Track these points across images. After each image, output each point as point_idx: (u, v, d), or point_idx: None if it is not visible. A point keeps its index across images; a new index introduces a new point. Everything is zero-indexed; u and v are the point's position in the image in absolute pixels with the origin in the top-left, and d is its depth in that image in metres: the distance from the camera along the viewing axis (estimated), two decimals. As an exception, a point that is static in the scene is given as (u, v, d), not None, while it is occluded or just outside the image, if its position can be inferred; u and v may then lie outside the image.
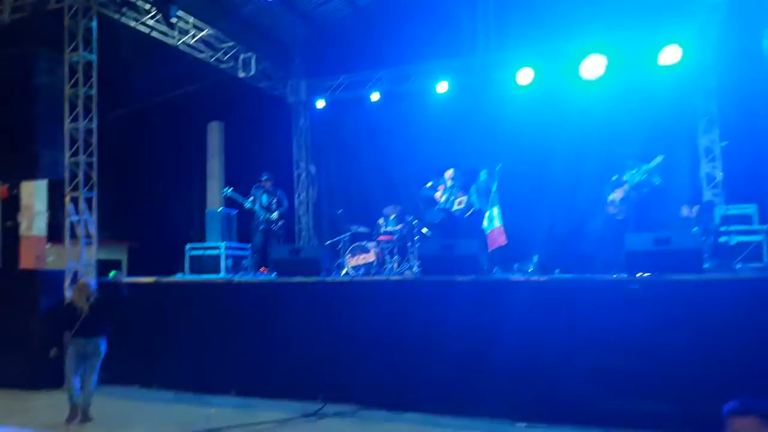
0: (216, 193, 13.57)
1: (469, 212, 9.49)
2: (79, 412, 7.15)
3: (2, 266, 10.61)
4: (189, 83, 13.21)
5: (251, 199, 10.26)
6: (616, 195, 8.83)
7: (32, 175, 9.96)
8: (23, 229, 10.96)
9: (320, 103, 13.05)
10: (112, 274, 8.86)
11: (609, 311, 6.37)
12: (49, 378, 8.08)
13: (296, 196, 13.23)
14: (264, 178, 10.42)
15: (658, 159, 8.59)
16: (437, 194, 9.78)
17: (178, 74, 12.23)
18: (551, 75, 10.75)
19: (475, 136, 11.12)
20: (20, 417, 7.40)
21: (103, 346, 7.33)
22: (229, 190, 10.41)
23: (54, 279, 9.23)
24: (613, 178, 8.92)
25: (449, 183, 9.75)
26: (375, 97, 12.32)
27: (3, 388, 8.67)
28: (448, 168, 9.84)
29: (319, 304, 7.91)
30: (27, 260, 10.73)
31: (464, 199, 9.58)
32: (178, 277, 10.04)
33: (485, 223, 9.20)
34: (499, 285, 7.28)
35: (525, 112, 10.71)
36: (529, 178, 10.74)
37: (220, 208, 10.98)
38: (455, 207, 9.61)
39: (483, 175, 9.51)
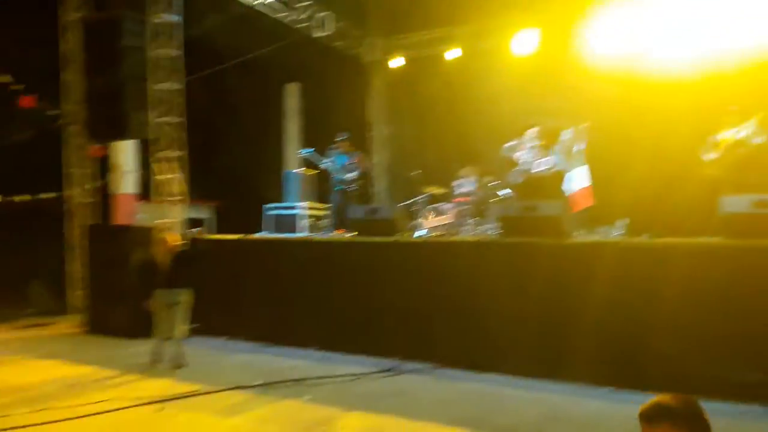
0: (293, 154, 13.79)
1: (552, 173, 9.21)
2: (168, 358, 7.71)
3: (99, 223, 11.24)
4: (267, 44, 13.35)
5: (327, 160, 10.36)
6: (712, 155, 8.33)
7: (122, 136, 10.41)
8: (115, 187, 11.56)
9: (396, 62, 12.90)
10: (193, 231, 9.39)
11: (701, 276, 6.09)
12: (146, 327, 8.55)
13: (372, 156, 13.26)
14: (340, 139, 10.48)
15: (759, 117, 8.00)
16: (518, 154, 9.54)
17: (256, 35, 12.38)
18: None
19: (559, 93, 10.71)
20: (119, 361, 8.01)
21: (186, 297, 7.79)
22: (305, 151, 10.55)
23: (144, 235, 9.69)
24: (709, 137, 8.41)
25: (531, 142, 9.48)
26: (452, 54, 12.05)
27: (109, 335, 9.52)
28: (529, 127, 9.54)
29: (396, 263, 7.98)
30: (120, 217, 11.34)
31: (547, 159, 9.30)
32: (260, 235, 10.35)
33: (569, 183, 8.93)
34: (583, 248, 7.09)
35: (611, 68, 10.20)
36: (617, 138, 10.27)
37: (298, 169, 11.17)
38: (537, 167, 9.35)
39: (567, 134, 9.18)
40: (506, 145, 9.66)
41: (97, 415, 5.87)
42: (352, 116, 12.95)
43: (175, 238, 8.20)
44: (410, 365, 7.38)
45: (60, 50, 11.20)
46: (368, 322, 8.00)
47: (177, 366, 7.66)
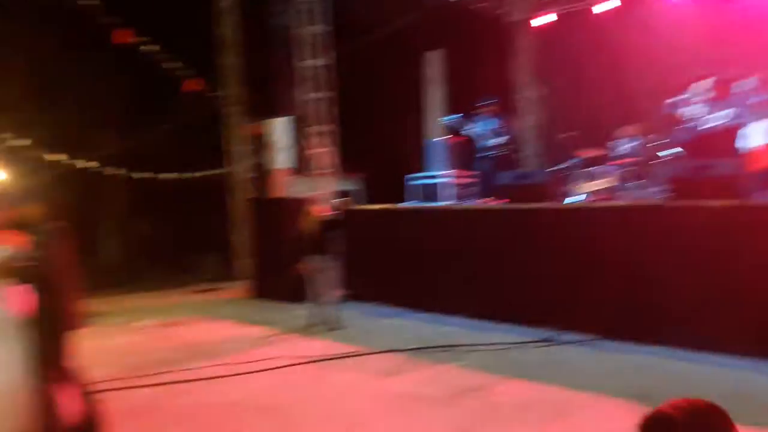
0: (435, 123, 13.70)
1: (725, 128, 8.30)
2: (322, 322, 8.17)
3: (257, 196, 11.99)
4: (406, 12, 13.29)
5: (473, 126, 10.14)
6: None
7: (276, 113, 10.95)
8: (272, 162, 12.23)
9: (542, 20, 12.28)
10: (340, 201, 9.75)
11: None
12: (305, 292, 9.02)
13: (520, 120, 12.81)
14: (486, 103, 10.20)
15: None
16: (684, 110, 8.71)
17: (396, 5, 12.36)
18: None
19: (729, 41, 9.60)
20: (282, 323, 8.56)
21: (334, 263, 8.24)
22: (449, 118, 10.41)
23: (298, 207, 10.14)
24: None
25: (699, 96, 8.60)
26: (604, 6, 11.23)
27: (273, 300, 10.17)
28: (696, 79, 8.66)
29: (550, 230, 7.66)
30: (275, 190, 12.01)
31: (718, 113, 8.39)
32: (405, 205, 10.46)
33: (746, 140, 8.00)
34: (762, 211, 6.33)
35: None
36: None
37: (441, 137, 11.07)
38: (707, 123, 8.48)
39: (743, 85, 8.21)
40: (670, 100, 8.86)
41: (266, 371, 6.30)
42: (497, 80, 12.55)
43: (322, 209, 8.63)
44: (568, 336, 7.10)
45: (216, 34, 11.93)
46: (521, 291, 7.80)
47: (331, 328, 8.09)
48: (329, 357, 6.75)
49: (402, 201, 10.71)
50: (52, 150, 11.16)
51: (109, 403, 5.23)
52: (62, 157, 11.11)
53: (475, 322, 8.04)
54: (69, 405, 4.40)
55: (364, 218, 10.53)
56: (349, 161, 13.87)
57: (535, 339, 7.11)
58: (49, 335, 4.17)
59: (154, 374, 6.13)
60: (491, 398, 5.30)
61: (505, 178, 8.91)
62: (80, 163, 11.58)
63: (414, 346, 7.07)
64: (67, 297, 4.32)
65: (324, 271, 8.23)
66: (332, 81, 10.25)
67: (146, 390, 5.71)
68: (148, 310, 9.76)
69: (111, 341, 7.71)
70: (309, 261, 8.25)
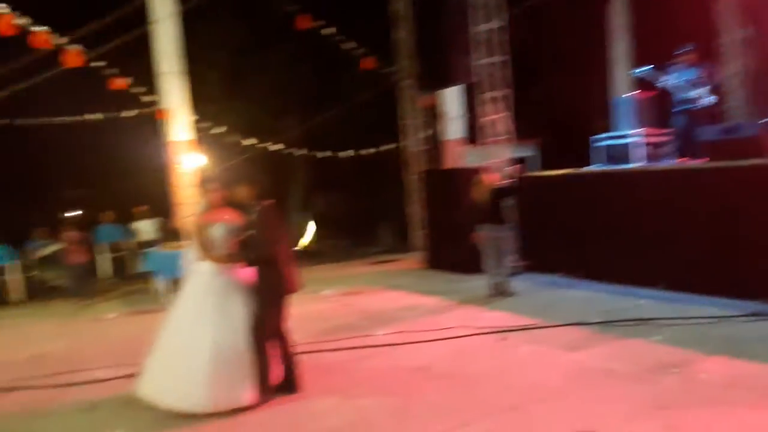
0: (623, 78, 12.58)
1: None
2: (497, 292, 8.08)
3: (431, 168, 11.99)
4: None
5: (668, 77, 9.08)
6: None
7: (449, 83, 10.79)
8: (444, 133, 12.15)
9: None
10: (511, 169, 9.41)
11: None
12: (479, 263, 8.84)
13: (723, 68, 11.24)
14: (682, 51, 9.05)
15: None
16: None
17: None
18: None
19: None
20: (457, 294, 8.50)
21: (506, 232, 8.16)
22: (640, 71, 9.42)
23: (472, 177, 9.92)
24: None
25: None
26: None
27: (446, 271, 10.19)
28: None
29: (761, 191, 6.63)
30: (449, 161, 11.92)
31: None
32: (589, 169, 9.77)
33: None
34: None
35: None
36: None
37: (630, 93, 10.13)
38: None
39: None
40: None
41: (446, 340, 6.24)
42: (693, 24, 11.10)
43: (493, 178, 8.45)
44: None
45: (390, 10, 12.01)
46: (726, 260, 6.89)
47: (505, 296, 8.02)
48: (511, 328, 6.52)
49: (584, 165, 10.02)
50: (245, 135, 12.09)
51: (305, 364, 5.59)
52: (253, 141, 11.99)
53: (672, 294, 7.27)
54: (281, 362, 4.76)
55: (540, 185, 10.05)
56: (525, 127, 13.31)
57: (742, 312, 6.24)
58: (267, 301, 4.57)
59: (340, 339, 6.38)
60: (693, 375, 4.72)
61: (706, 133, 7.89)
62: (269, 146, 12.42)
63: (600, 320, 6.58)
64: (281, 266, 4.67)
65: (497, 240, 8.12)
66: (506, 44, 9.83)
67: (335, 353, 5.94)
68: (331, 280, 10.24)
69: (301, 308, 8.17)
70: (482, 231, 8.17)
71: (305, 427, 4.19)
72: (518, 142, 11.05)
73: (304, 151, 13.37)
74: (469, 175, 9.68)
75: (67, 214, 9.98)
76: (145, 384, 4.49)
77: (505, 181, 9.66)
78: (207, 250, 4.56)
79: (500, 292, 8.12)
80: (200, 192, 4.75)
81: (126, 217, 13.03)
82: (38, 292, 10.43)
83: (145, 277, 9.94)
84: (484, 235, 8.15)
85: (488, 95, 9.97)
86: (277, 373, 4.74)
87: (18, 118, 9.95)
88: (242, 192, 4.72)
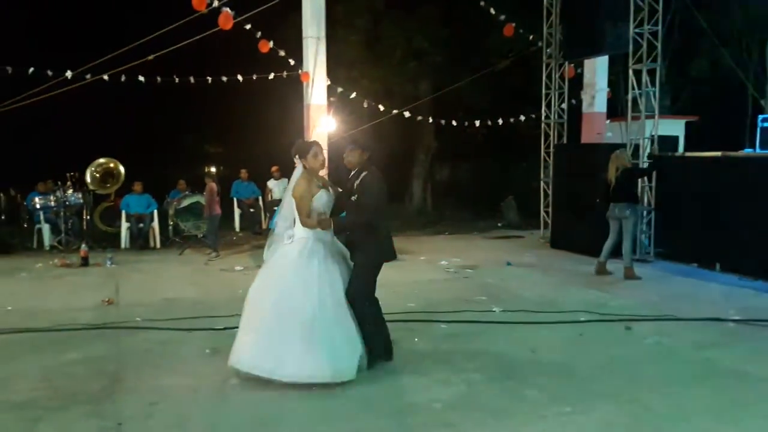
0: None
1: None
2: (607, 270, 8.14)
3: (566, 142, 11.38)
4: None
5: None
6: None
7: (597, 52, 10.06)
8: (585, 105, 11.45)
9: None
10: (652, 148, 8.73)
11: None
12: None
13: None
14: None
15: None
16: None
17: None
18: None
19: None
20: (581, 278, 8.12)
21: (629, 211, 7.90)
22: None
23: (608, 154, 9.28)
24: None
25: None
26: None
27: (570, 251, 9.80)
28: None
29: None
30: (588, 135, 11.23)
31: None
32: (748, 152, 8.79)
33: None
34: None
35: None
36: None
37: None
38: None
39: None
40: None
41: (566, 324, 5.93)
42: None
43: (622, 156, 8.07)
44: None
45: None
46: None
47: (628, 277, 7.90)
48: (637, 318, 6.07)
49: (735, 148, 9.04)
50: (378, 100, 12.12)
51: (418, 333, 5.55)
52: (382, 107, 11.99)
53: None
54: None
55: (684, 167, 9.23)
56: (674, 103, 12.25)
57: None
58: (366, 268, 4.52)
59: (455, 311, 6.26)
60: None
61: None
62: (399, 112, 12.36)
63: (738, 317, 6.05)
64: (380, 234, 4.59)
65: (618, 219, 8.01)
66: (661, 13, 8.97)
67: (449, 325, 5.82)
68: (450, 252, 10.10)
69: (417, 277, 8.16)
70: (611, 211, 8.04)
71: (412, 397, 4.13)
72: (665, 118, 10.18)
73: (434, 119, 13.17)
74: (606, 151, 9.09)
75: (206, 169, 10.55)
76: (241, 353, 4.31)
77: (649, 161, 9.02)
78: (307, 215, 4.43)
79: (626, 276, 7.94)
80: (301, 157, 4.61)
81: (261, 176, 13.63)
82: (174, 241, 11.19)
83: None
84: (609, 213, 8.04)
85: (637, 67, 9.20)
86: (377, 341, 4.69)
87: (169, 76, 10.61)
88: (350, 157, 4.62)
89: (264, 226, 12.49)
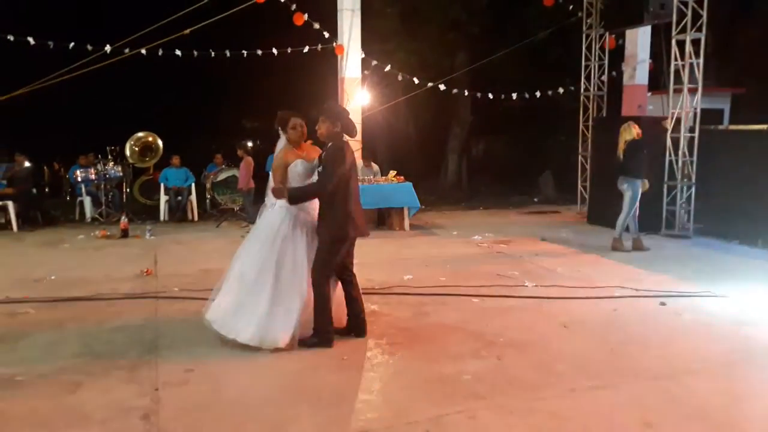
0: None
1: None
2: (624, 245, 8.09)
3: (604, 115, 11.11)
4: None
5: None
6: None
7: (639, 21, 9.73)
8: (626, 78, 11.13)
9: None
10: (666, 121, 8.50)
11: None
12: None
13: None
14: None
15: None
16: None
17: None
18: None
19: None
20: (617, 253, 7.97)
21: (627, 185, 7.92)
22: None
23: (651, 127, 9.03)
24: None
25: None
26: None
27: (606, 226, 9.20)
28: None
29: None
30: (628, 108, 10.94)
31: None
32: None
33: None
34: None
35: None
36: None
37: None
38: None
39: None
40: None
41: (600, 299, 5.85)
42: None
43: (630, 129, 7.97)
44: None
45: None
46: None
47: (615, 249, 8.01)
48: (674, 294, 5.97)
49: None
50: (413, 73, 11.99)
51: (450, 306, 5.57)
52: (417, 80, 11.85)
53: None
54: (347, 306, 4.70)
55: (727, 141, 8.99)
56: (724, 73, 11.80)
57: None
58: (327, 242, 4.45)
59: (487, 286, 6.24)
60: None
61: None
62: (435, 85, 12.20)
63: None
64: (344, 208, 4.44)
65: (624, 191, 8.00)
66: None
67: (482, 300, 5.81)
68: (483, 227, 10.03)
69: (450, 251, 8.15)
70: (618, 184, 8.09)
71: (442, 369, 4.15)
72: (710, 91, 9.84)
73: (471, 92, 12.97)
74: (649, 125, 8.87)
75: (243, 143, 10.65)
76: (213, 311, 4.60)
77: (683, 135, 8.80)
78: (282, 185, 4.45)
79: (612, 248, 8.07)
80: (282, 129, 4.61)
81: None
82: (211, 214, 11.39)
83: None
84: (620, 187, 8.06)
85: (681, 38, 8.87)
86: (339, 316, 4.66)
87: (206, 50, 10.68)
88: (320, 129, 4.48)
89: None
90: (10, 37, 9.61)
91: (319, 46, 10.64)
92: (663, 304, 5.69)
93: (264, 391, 3.82)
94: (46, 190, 12.33)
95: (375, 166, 10.47)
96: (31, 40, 9.75)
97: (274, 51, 10.92)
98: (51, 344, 4.61)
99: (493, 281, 6.48)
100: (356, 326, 4.72)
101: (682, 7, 8.81)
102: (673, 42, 8.97)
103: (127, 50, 9.90)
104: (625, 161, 7.93)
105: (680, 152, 9.12)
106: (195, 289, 6.08)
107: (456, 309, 5.51)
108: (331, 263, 4.47)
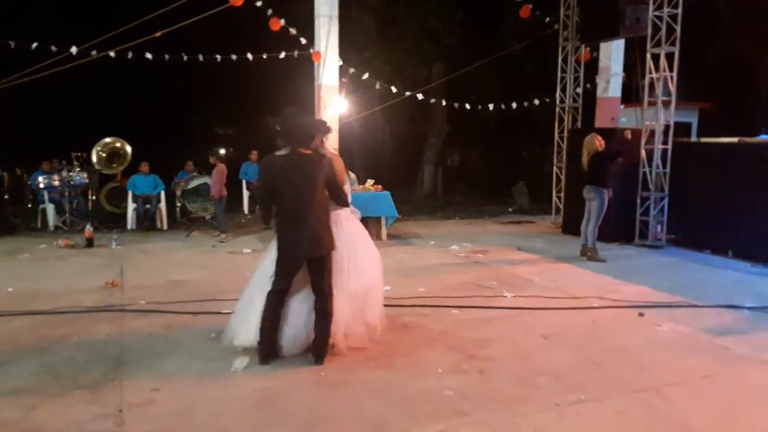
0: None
1: None
2: (583, 253, 8.21)
3: (578, 127, 11.15)
4: None
5: None
6: None
7: (613, 35, 9.80)
8: (600, 90, 11.19)
9: None
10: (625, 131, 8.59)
11: None
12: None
13: None
14: None
15: None
16: None
17: None
18: None
19: None
20: (592, 263, 7.85)
21: (594, 194, 8.01)
22: None
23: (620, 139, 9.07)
24: None
25: None
26: None
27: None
28: None
29: None
30: (602, 120, 10.99)
31: None
32: (763, 138, 8.61)
33: None
34: None
35: None
36: None
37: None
38: None
39: None
40: None
41: (578, 309, 5.79)
42: None
43: (593, 141, 8.14)
44: None
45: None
46: None
47: (592, 260, 8.02)
48: (651, 304, 5.95)
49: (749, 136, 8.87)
50: (389, 82, 11.89)
51: (430, 317, 5.44)
52: (395, 88, 11.76)
53: None
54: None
55: (696, 153, 9.17)
56: (692, 89, 11.96)
57: None
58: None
59: (465, 297, 6.12)
60: None
61: None
62: (409, 94, 12.12)
63: (753, 304, 5.95)
64: (275, 224, 4.32)
65: (589, 203, 8.13)
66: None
67: (460, 311, 5.68)
68: (459, 237, 9.94)
69: (427, 262, 8.02)
70: (584, 193, 8.19)
71: (423, 384, 4.00)
72: (679, 105, 9.94)
73: (446, 102, 12.94)
74: (619, 136, 8.94)
75: (216, 150, 10.38)
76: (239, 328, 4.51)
77: (656, 147, 8.86)
78: None
79: (587, 257, 8.12)
80: (280, 139, 4.54)
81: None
82: (181, 222, 11.08)
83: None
84: (586, 195, 8.17)
85: (655, 51, 8.94)
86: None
87: (178, 54, 10.41)
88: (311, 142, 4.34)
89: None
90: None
91: (296, 53, 10.47)
92: (641, 314, 5.65)
93: (236, 411, 3.61)
94: (6, 197, 11.85)
95: (352, 175, 10.30)
96: (-8, 39, 9.38)
97: (249, 56, 10.71)
98: (5, 363, 4.30)
99: (472, 292, 6.37)
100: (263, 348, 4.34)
101: (657, 21, 8.89)
102: (648, 55, 9.03)
103: (94, 52, 9.59)
104: (591, 171, 8.09)
105: (654, 163, 9.17)
106: (163, 302, 5.84)
107: (436, 321, 5.37)
108: (277, 277, 4.30)
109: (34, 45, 9.47)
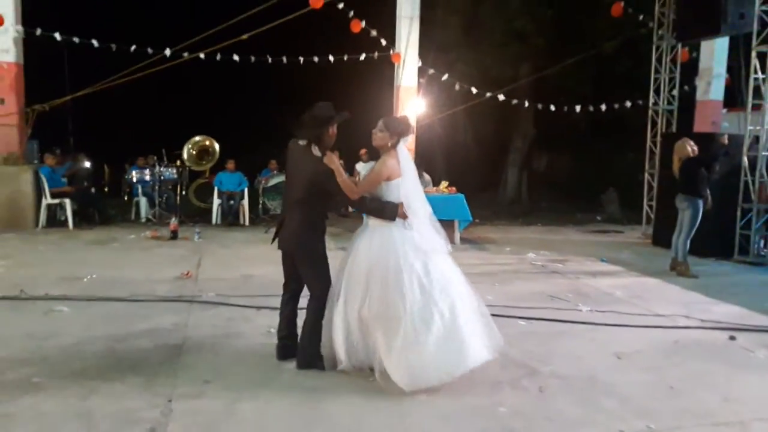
0: None
1: None
2: (672, 267, 7.68)
3: (674, 132, 10.45)
4: None
5: None
6: None
7: (715, 33, 9.10)
8: (700, 92, 10.45)
9: None
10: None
11: None
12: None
13: None
14: None
15: None
16: None
17: None
18: None
19: None
20: (683, 279, 7.36)
21: (687, 203, 7.47)
22: None
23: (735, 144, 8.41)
24: None
25: None
26: None
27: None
28: None
29: None
30: (701, 124, 10.26)
31: None
32: None
33: None
34: None
35: None
36: None
37: None
38: None
39: None
40: None
41: (661, 328, 5.37)
42: None
43: (684, 146, 7.60)
44: None
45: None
46: None
47: (681, 275, 7.45)
48: (746, 327, 5.41)
49: None
50: (473, 84, 11.66)
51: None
52: (475, 89, 11.51)
53: None
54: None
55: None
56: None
57: None
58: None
59: (537, 308, 5.84)
60: None
61: None
62: (490, 95, 11.81)
63: None
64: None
65: (681, 210, 7.60)
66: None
67: (529, 323, 5.42)
68: (539, 244, 9.55)
69: (500, 268, 7.75)
70: (678, 201, 7.64)
71: (476, 399, 3.79)
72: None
73: (533, 104, 12.52)
74: (716, 142, 8.25)
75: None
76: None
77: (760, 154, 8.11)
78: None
79: (676, 272, 7.55)
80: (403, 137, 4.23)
81: (351, 158, 13.57)
82: (262, 219, 11.35)
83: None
84: (677, 205, 7.65)
85: (762, 49, 8.21)
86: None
87: (262, 56, 10.69)
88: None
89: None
90: (76, 39, 9.89)
91: (376, 54, 10.47)
92: (733, 338, 5.15)
93: (279, 411, 3.57)
94: (106, 189, 12.61)
95: (426, 176, 10.17)
96: (95, 42, 10.00)
97: (331, 58, 10.83)
98: (76, 345, 4.52)
99: (544, 303, 6.07)
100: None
101: (765, 17, 8.16)
102: (753, 54, 8.31)
103: (186, 54, 10.01)
104: (683, 179, 7.53)
105: (757, 173, 8.42)
106: (232, 295, 5.95)
107: (500, 332, 5.12)
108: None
109: (133, 47, 10.02)
